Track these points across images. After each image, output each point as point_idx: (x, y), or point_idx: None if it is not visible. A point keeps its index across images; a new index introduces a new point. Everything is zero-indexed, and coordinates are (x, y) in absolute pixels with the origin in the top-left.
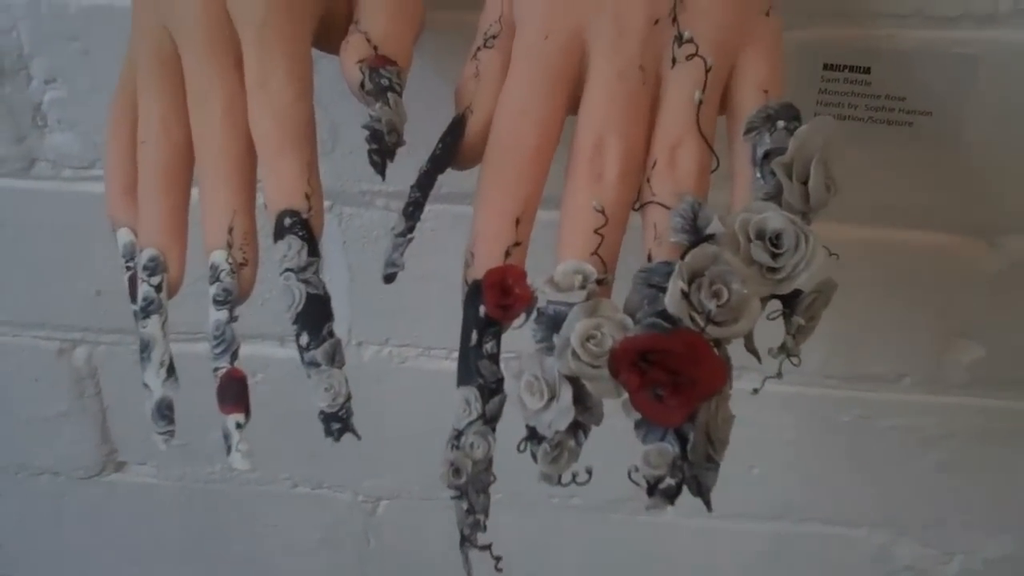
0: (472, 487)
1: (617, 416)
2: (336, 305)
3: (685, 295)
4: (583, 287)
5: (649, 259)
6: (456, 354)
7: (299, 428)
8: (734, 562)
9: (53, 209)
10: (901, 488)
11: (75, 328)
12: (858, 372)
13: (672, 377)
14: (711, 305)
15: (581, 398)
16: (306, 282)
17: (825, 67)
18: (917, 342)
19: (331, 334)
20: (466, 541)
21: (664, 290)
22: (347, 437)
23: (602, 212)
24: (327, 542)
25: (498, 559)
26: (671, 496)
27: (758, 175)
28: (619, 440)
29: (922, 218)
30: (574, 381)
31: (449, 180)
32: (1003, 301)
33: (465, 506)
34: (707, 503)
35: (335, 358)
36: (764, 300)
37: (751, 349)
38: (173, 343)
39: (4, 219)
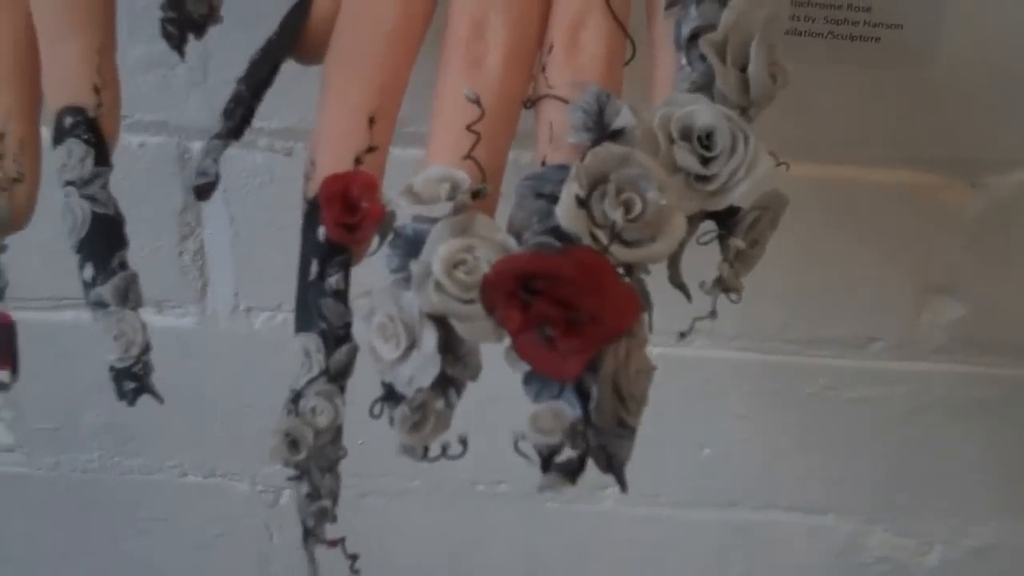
0: (315, 464)
1: None
2: (219, 265)
3: (582, 203)
4: (451, 199)
5: (543, 165)
6: None
7: (185, 408)
8: (686, 556)
9: None
10: (872, 469)
11: None
12: (822, 336)
13: (565, 312)
14: (617, 217)
15: (450, 344)
16: (91, 199)
17: None
18: (889, 300)
19: (123, 266)
20: (310, 535)
21: (557, 200)
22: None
23: (477, 102)
24: (224, 537)
25: (354, 558)
26: (572, 472)
27: (683, 61)
28: None
29: (892, 153)
30: (440, 321)
31: None
32: (986, 250)
33: (306, 490)
34: (620, 481)
35: (128, 296)
36: (693, 219)
37: (677, 283)
38: (34, 312)
39: None
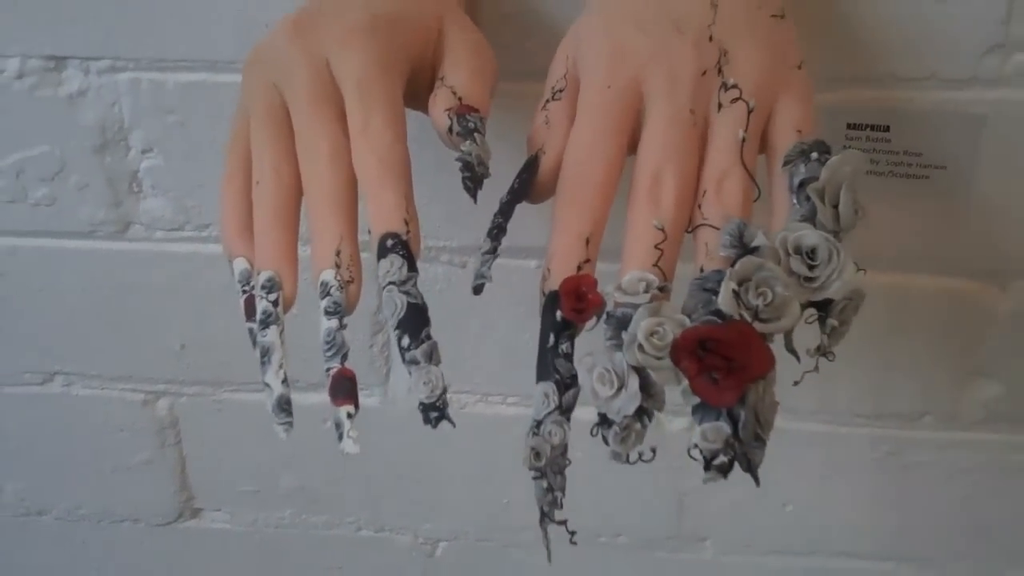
0: (550, 469)
1: (659, 461)
2: (395, 354)
3: (736, 294)
4: (647, 292)
5: (702, 271)
6: (511, 399)
7: (364, 473)
8: None
9: (144, 269)
10: (927, 522)
11: (159, 380)
12: (884, 410)
13: (726, 362)
14: (758, 302)
15: (646, 386)
16: (406, 293)
17: (848, 126)
18: (938, 381)
19: (428, 337)
20: (545, 517)
21: (717, 293)
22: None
23: (662, 230)
24: None
25: (573, 533)
26: (725, 471)
27: (794, 201)
28: (660, 484)
29: (939, 264)
30: (640, 371)
31: (512, 233)
32: (1017, 341)
33: (545, 485)
34: (755, 478)
35: (432, 357)
36: (802, 307)
37: (791, 349)
38: (244, 393)
39: (99, 279)
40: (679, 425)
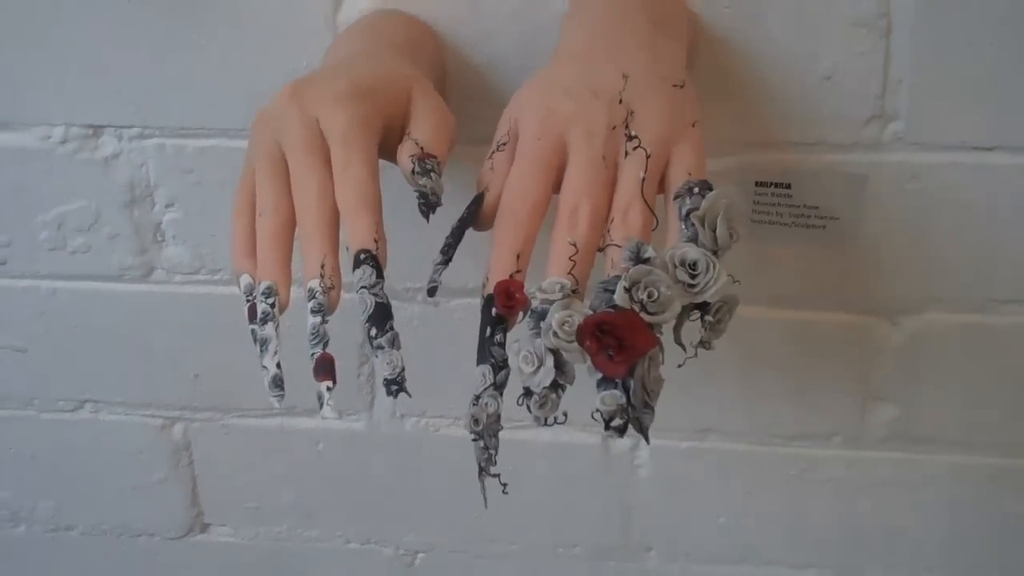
0: (486, 432)
1: (608, 479)
2: (379, 383)
3: (627, 291)
4: (561, 292)
5: (608, 278)
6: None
7: (352, 490)
8: None
9: (164, 308)
10: (840, 532)
11: (175, 407)
12: (799, 432)
13: (618, 341)
14: (644, 297)
15: (559, 364)
16: (375, 295)
17: (756, 184)
18: (844, 405)
19: (391, 328)
20: (482, 471)
21: (615, 292)
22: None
23: (575, 246)
24: None
25: (504, 485)
26: (621, 430)
27: (682, 227)
28: (609, 499)
29: (838, 301)
30: (555, 352)
31: (475, 277)
32: (906, 368)
33: (482, 445)
34: (646, 438)
35: (394, 343)
36: (686, 308)
37: (679, 341)
38: (252, 419)
39: (125, 317)
40: (625, 444)
